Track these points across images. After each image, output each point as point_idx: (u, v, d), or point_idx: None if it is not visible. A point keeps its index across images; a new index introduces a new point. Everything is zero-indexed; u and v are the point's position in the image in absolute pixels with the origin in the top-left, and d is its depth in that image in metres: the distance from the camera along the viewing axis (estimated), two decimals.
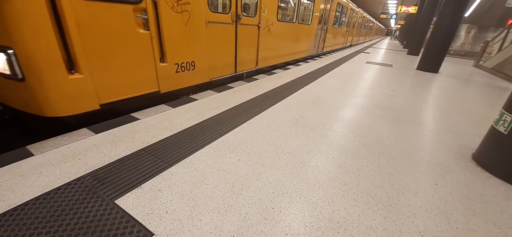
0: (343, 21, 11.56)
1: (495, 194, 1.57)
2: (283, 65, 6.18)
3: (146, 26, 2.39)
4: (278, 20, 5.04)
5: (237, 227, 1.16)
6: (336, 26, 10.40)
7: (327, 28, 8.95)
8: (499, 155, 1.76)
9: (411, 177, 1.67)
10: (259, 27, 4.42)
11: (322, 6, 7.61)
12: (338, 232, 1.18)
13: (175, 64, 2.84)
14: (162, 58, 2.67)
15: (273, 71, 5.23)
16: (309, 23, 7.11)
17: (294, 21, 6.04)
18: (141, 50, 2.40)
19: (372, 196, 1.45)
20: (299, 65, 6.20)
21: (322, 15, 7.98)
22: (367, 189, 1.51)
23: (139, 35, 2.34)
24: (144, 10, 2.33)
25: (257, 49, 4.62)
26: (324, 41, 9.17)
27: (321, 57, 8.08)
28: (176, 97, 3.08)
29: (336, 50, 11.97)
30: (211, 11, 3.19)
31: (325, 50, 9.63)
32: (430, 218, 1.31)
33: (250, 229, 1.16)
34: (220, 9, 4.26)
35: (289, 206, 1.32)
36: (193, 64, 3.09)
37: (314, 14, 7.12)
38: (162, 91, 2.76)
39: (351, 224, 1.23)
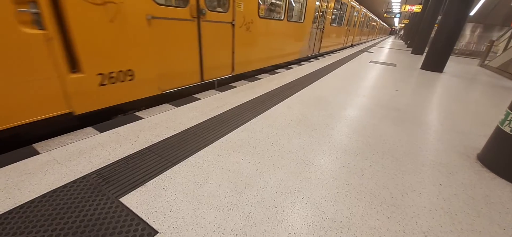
0: (342, 19, 10.92)
1: (500, 194, 1.55)
2: (270, 70, 5.51)
3: (38, 23, 1.75)
4: (260, 17, 4.36)
5: (241, 226, 1.17)
6: (334, 24, 9.79)
7: (324, 27, 8.34)
8: (505, 155, 1.74)
9: (415, 177, 1.66)
10: (233, 25, 3.68)
11: (317, 2, 7.05)
12: (341, 232, 1.18)
13: (98, 75, 2.13)
14: (75, 68, 1.99)
15: (275, 71, 5.21)
16: (302, 21, 6.41)
17: (282, 18, 5.34)
18: (31, 57, 1.73)
19: (375, 196, 1.44)
20: (302, 64, 6.18)
21: (317, 13, 7.45)
22: (371, 189, 1.51)
23: (26, 36, 1.68)
24: (33, 2, 1.70)
25: (233, 52, 3.87)
26: (321, 41, 8.54)
27: (318, 59, 7.58)
28: (106, 118, 2.40)
29: (336, 51, 11.42)
30: (157, 4, 2.50)
31: (322, 51, 9.04)
32: (434, 219, 1.31)
33: (253, 228, 1.17)
34: (172, 2, 3.46)
35: (292, 206, 1.32)
36: (130, 73, 2.39)
37: (307, 11, 6.45)
38: (78, 113, 2.09)
39: (354, 224, 1.23)
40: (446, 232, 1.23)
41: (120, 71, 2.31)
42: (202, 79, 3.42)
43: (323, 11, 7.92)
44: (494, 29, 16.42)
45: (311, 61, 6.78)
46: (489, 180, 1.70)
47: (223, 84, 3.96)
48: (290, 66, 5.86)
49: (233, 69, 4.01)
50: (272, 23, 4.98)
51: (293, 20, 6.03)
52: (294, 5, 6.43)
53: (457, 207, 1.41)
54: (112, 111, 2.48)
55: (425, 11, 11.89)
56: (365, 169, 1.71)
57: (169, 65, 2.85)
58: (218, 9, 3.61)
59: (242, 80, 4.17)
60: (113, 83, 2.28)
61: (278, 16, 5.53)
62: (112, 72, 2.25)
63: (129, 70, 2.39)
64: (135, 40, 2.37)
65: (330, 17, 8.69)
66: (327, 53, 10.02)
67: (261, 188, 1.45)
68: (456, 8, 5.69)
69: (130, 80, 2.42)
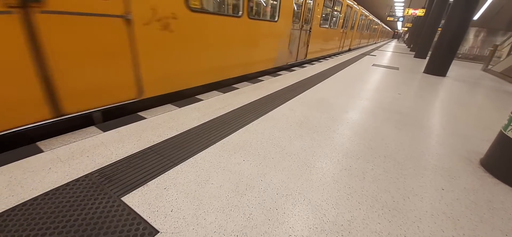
0: (337, 20, 9.61)
1: (503, 200, 1.54)
2: (217, 85, 3.98)
3: None
4: (191, 11, 2.89)
5: (241, 227, 1.17)
6: (326, 26, 8.30)
7: (311, 28, 6.96)
8: (508, 161, 1.72)
9: (417, 181, 1.65)
10: (129, 21, 2.26)
11: None
12: (342, 235, 1.18)
13: None
14: None
15: (278, 73, 5.20)
16: (276, 20, 4.99)
17: (239, 14, 3.90)
18: None
19: (377, 200, 1.44)
20: (305, 67, 6.18)
21: (301, 11, 6.25)
22: (372, 192, 1.50)
23: None
24: None
25: (136, 64, 2.45)
26: (308, 45, 7.15)
27: (304, 67, 6.14)
28: None
29: (329, 56, 10.05)
30: None
31: (310, 57, 7.54)
32: (436, 223, 1.30)
33: (254, 229, 1.17)
34: None
35: (293, 208, 1.32)
36: None
37: (283, 7, 5.04)
38: None
39: (355, 227, 1.23)
40: None
41: None
42: (58, 113, 2.02)
43: (309, 9, 6.75)
44: (497, 33, 16.32)
45: (314, 64, 6.76)
46: (492, 185, 1.69)
47: (121, 115, 2.60)
48: (292, 68, 5.85)
49: (141, 90, 2.59)
50: (219, 20, 3.49)
51: (259, 18, 4.81)
52: None
53: (459, 212, 1.40)
54: None
55: (428, 15, 11.86)
56: (366, 172, 1.71)
57: None
58: None
59: (244, 82, 4.17)
60: None
61: (236, 11, 4.17)
62: None
63: None
64: None
65: (319, 16, 7.36)
66: (316, 59, 8.69)
67: (262, 189, 1.45)
68: (459, 12, 5.67)
69: None
